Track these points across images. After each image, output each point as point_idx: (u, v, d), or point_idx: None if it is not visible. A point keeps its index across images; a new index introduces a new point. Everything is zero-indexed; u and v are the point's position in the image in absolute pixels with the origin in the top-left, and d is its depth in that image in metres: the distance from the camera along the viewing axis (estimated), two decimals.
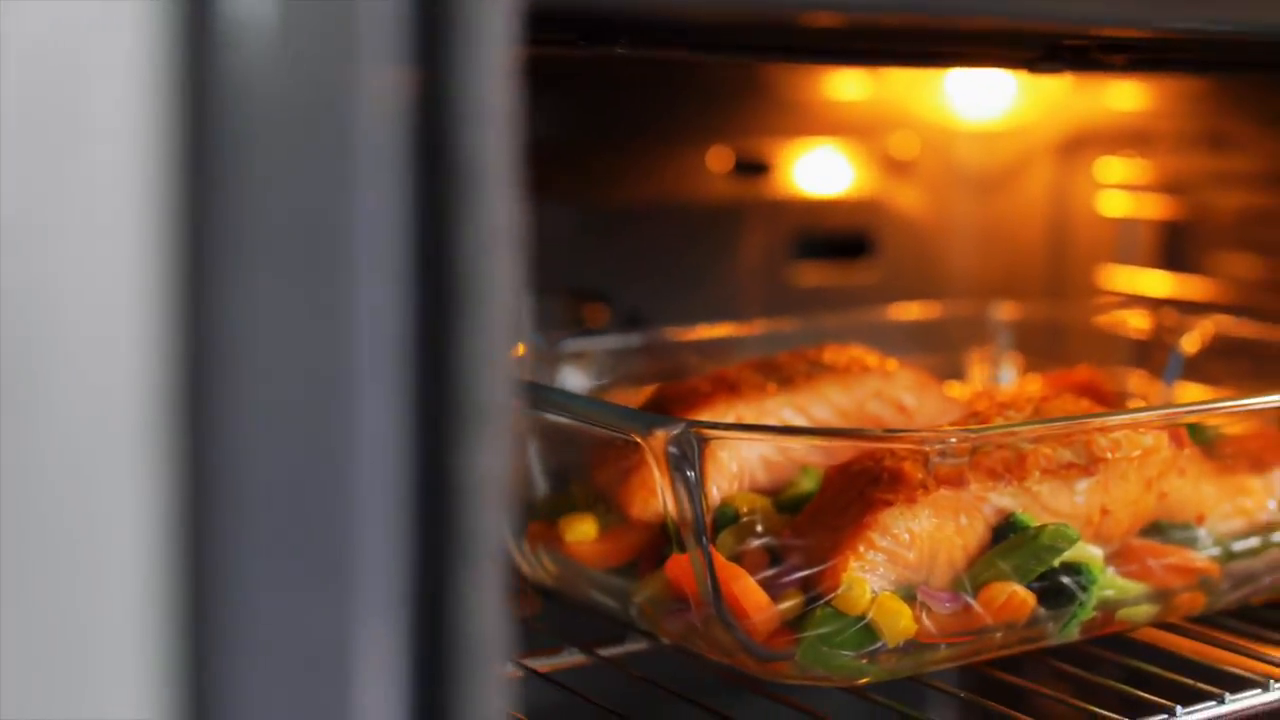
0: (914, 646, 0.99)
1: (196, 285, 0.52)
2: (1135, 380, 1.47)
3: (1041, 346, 1.56)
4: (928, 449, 0.97)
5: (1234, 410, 1.12)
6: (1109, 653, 1.11)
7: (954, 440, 0.96)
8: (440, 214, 0.61)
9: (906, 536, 0.98)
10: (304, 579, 0.53)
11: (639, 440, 0.97)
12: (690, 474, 0.95)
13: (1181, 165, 1.69)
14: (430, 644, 0.62)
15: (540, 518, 1.12)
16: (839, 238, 1.79)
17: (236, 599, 0.52)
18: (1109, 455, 1.04)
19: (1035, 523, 1.01)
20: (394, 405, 0.58)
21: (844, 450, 1.05)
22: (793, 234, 1.76)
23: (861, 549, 0.97)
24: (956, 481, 0.99)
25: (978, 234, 1.83)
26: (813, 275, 1.77)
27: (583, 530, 1.08)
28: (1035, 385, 1.40)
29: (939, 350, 1.57)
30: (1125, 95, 1.74)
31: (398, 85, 0.58)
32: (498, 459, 0.63)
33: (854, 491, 1.01)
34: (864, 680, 1.00)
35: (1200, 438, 1.12)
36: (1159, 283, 1.71)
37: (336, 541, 0.54)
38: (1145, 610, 1.08)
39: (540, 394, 1.09)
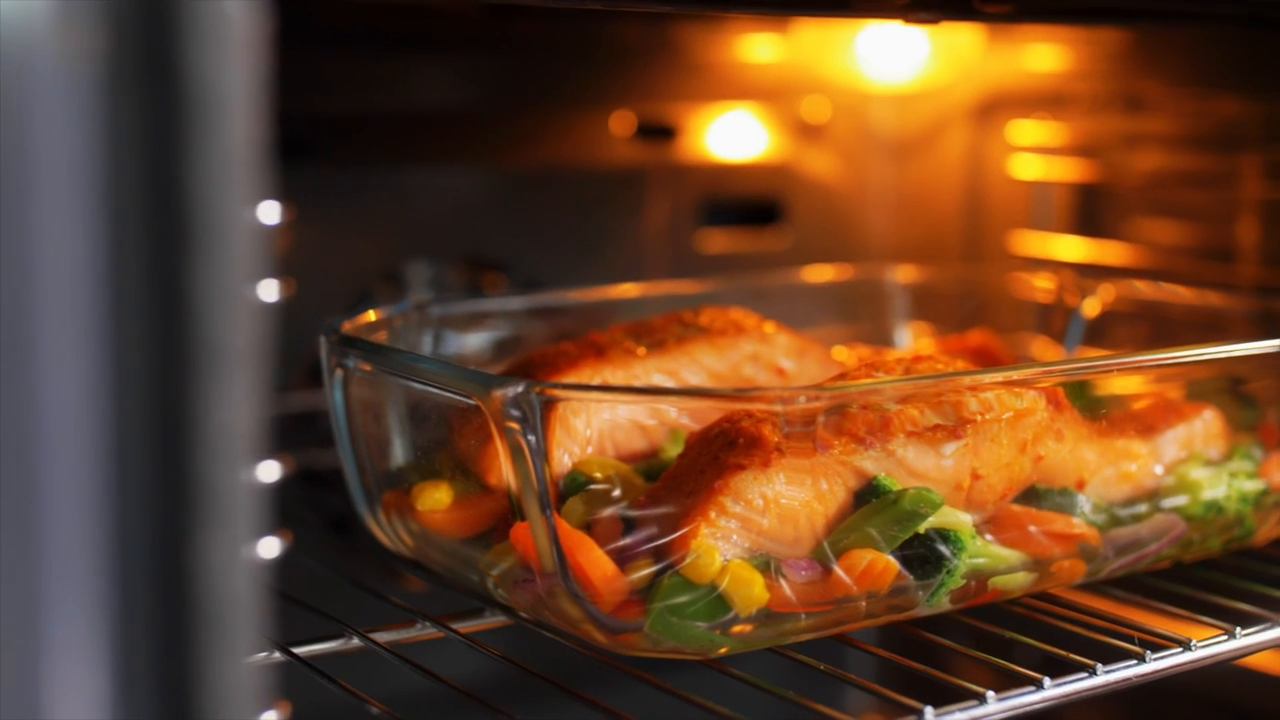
0: (770, 617, 0.94)
1: None
2: (1037, 345, 1.43)
3: (950, 312, 1.52)
4: (777, 408, 0.92)
5: (1102, 369, 1.07)
6: (981, 623, 1.07)
7: (803, 399, 0.92)
8: (169, 142, 0.56)
9: (760, 502, 0.94)
10: None
11: (479, 402, 0.92)
12: (531, 437, 0.90)
13: (1097, 128, 1.65)
14: (165, 612, 0.57)
15: (402, 487, 1.08)
16: (748, 204, 1.75)
17: None
18: (978, 417, 0.99)
19: (898, 487, 0.96)
20: (102, 346, 0.53)
21: (713, 414, 1.01)
22: (699, 200, 1.72)
23: (713, 515, 0.93)
24: (812, 444, 0.94)
25: (893, 199, 1.79)
26: (720, 242, 1.73)
27: (435, 498, 1.04)
28: (929, 349, 1.36)
29: (852, 317, 1.53)
30: (1041, 56, 1.70)
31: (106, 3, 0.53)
32: (242, 407, 0.58)
33: (709, 456, 0.96)
34: (721, 651, 0.95)
35: (1082, 401, 1.07)
36: (1075, 248, 1.67)
37: (21, 496, 0.49)
38: (1021, 579, 1.03)
39: (387, 357, 1.04)
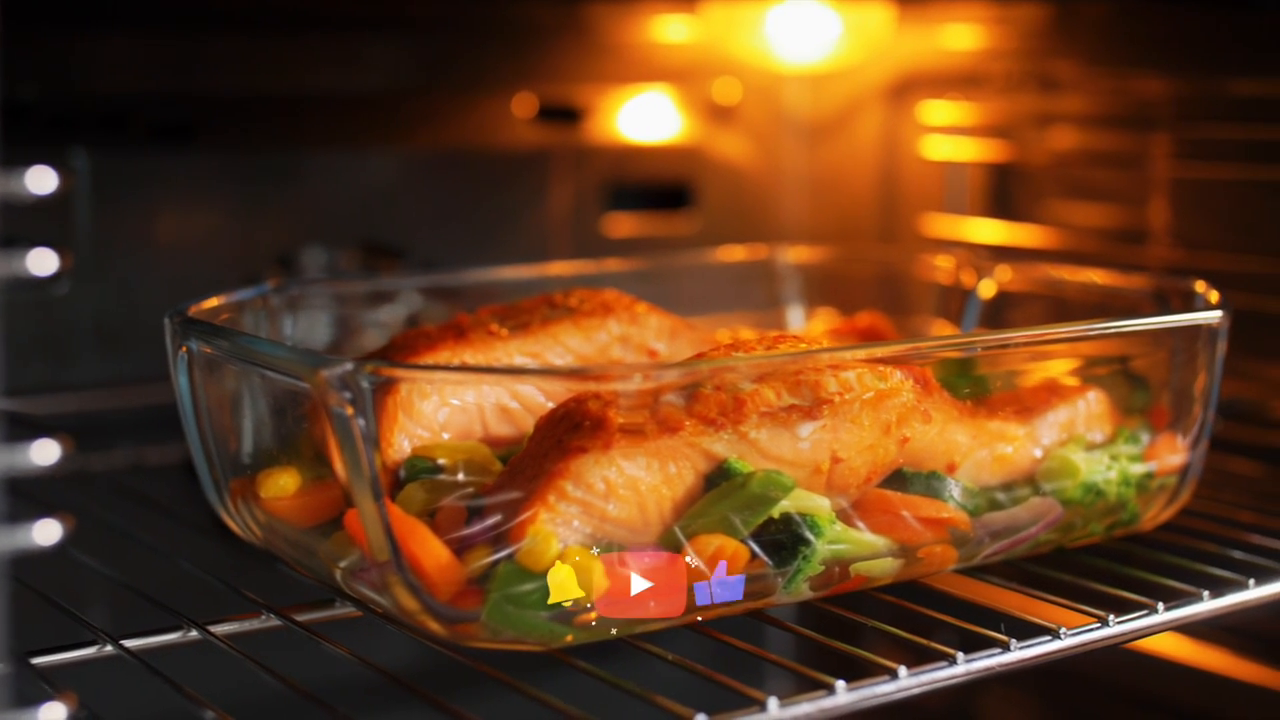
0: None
1: None
2: (935, 327, 1.40)
3: (855, 294, 1.49)
4: (617, 387, 0.89)
5: (964, 346, 1.03)
6: (846, 611, 1.03)
7: (639, 378, 0.88)
8: None
9: (602, 486, 0.90)
10: None
11: (306, 383, 0.88)
12: (361, 420, 0.86)
13: (1011, 108, 1.62)
14: None
15: (248, 473, 1.04)
16: (657, 187, 1.72)
17: None
18: (836, 397, 0.96)
19: (749, 470, 0.93)
20: None
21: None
22: (605, 183, 1.68)
23: (551, 499, 0.89)
24: (657, 425, 0.91)
25: (806, 182, 1.76)
26: (627, 226, 1.70)
27: (280, 485, 1.00)
28: (820, 331, 1.33)
29: (753, 300, 1.49)
30: (955, 35, 1.67)
31: None
32: None
33: (553, 439, 0.93)
34: (566, 640, 0.92)
35: (954, 381, 1.04)
36: (989, 229, 1.64)
37: None
38: (888, 565, 1.00)
39: (225, 339, 1.00)
